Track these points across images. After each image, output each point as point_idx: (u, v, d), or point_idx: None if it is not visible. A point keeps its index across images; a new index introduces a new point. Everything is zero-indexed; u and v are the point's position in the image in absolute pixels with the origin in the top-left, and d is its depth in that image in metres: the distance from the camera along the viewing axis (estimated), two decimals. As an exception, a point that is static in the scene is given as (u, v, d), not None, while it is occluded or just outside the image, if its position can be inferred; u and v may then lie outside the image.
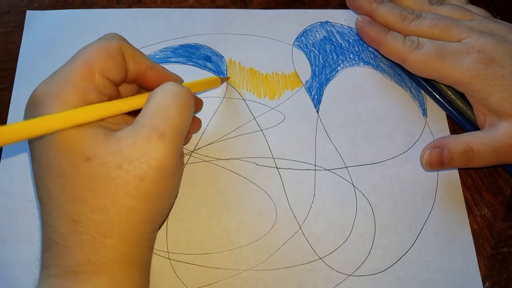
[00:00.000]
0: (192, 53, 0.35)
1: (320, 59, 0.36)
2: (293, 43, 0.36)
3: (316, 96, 0.34)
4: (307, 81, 0.35)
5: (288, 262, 0.29)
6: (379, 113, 0.34)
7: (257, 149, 0.32)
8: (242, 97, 0.34)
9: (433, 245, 0.30)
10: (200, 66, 0.35)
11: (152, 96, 0.24)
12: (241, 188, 0.31)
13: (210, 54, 0.35)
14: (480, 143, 0.29)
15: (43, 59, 0.34)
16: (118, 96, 0.25)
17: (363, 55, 0.36)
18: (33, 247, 0.28)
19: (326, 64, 0.36)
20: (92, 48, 0.23)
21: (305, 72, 0.35)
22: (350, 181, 0.32)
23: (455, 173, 0.32)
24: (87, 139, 0.21)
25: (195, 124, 0.31)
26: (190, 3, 0.38)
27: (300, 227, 0.30)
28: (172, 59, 0.35)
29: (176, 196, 0.30)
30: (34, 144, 0.23)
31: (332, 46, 0.36)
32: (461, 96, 0.33)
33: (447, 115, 0.34)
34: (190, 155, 0.32)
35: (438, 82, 0.33)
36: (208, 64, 0.35)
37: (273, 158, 0.32)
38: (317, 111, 0.34)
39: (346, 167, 0.32)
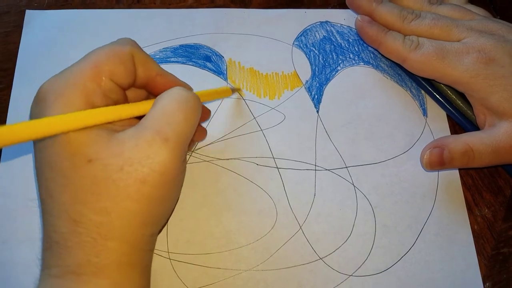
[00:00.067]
0: (192, 53, 0.35)
1: (320, 59, 0.36)
2: (293, 43, 0.36)
3: (316, 96, 0.34)
4: (307, 81, 0.35)
5: (289, 262, 0.29)
6: (379, 113, 0.34)
7: (257, 149, 0.32)
8: (242, 97, 0.34)
9: (434, 245, 0.30)
10: (200, 66, 0.35)
11: (159, 99, 0.23)
12: (241, 188, 0.31)
13: (210, 54, 0.35)
14: (480, 143, 0.29)
15: (42, 59, 0.34)
16: (125, 101, 0.25)
17: (363, 54, 0.36)
18: (33, 246, 0.28)
19: (326, 64, 0.36)
20: (103, 51, 0.23)
21: (305, 72, 0.35)
22: (351, 181, 0.32)
23: (455, 173, 0.32)
24: (90, 140, 0.21)
25: (200, 134, 0.31)
26: (189, 3, 0.38)
27: (300, 227, 0.30)
28: (172, 59, 0.35)
29: (178, 200, 0.30)
30: (37, 143, 0.23)
31: (332, 46, 0.36)
32: (461, 96, 0.33)
33: (447, 115, 0.34)
34: (190, 155, 0.32)
35: (438, 82, 0.33)
36: (208, 64, 0.35)
37: (273, 158, 0.32)
38: (317, 111, 0.34)
39: (347, 167, 0.32)
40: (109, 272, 0.21)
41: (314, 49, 0.36)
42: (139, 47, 0.25)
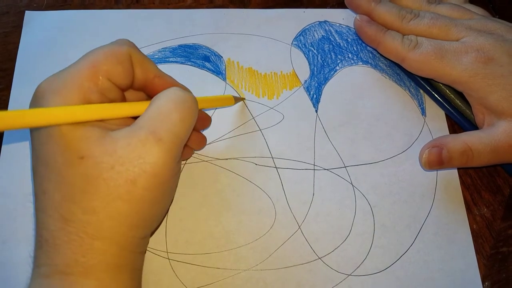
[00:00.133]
0: (191, 53, 0.35)
1: (319, 58, 0.36)
2: (292, 43, 0.36)
3: (315, 96, 0.34)
4: (305, 81, 0.35)
5: (288, 262, 0.29)
6: (378, 113, 0.34)
7: (256, 149, 0.32)
8: (241, 96, 0.34)
9: (433, 245, 0.30)
10: (198, 66, 0.35)
11: (155, 99, 0.23)
12: (240, 188, 0.31)
13: (209, 54, 0.35)
14: (479, 142, 0.29)
15: (41, 60, 0.34)
16: (123, 101, 0.25)
17: (361, 54, 0.36)
18: (32, 247, 0.28)
19: (325, 64, 0.36)
20: (101, 51, 0.23)
21: (304, 71, 0.35)
22: (349, 181, 0.32)
23: (454, 173, 0.32)
24: (83, 137, 0.21)
25: (199, 141, 0.31)
26: (188, 3, 0.38)
27: (299, 226, 0.30)
28: (171, 59, 0.35)
29: (171, 203, 0.30)
30: (34, 138, 0.23)
31: (331, 46, 0.36)
32: (460, 95, 0.33)
33: (446, 114, 0.34)
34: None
35: (436, 81, 0.33)
36: (207, 64, 0.35)
37: (272, 158, 0.32)
38: (316, 111, 0.34)
39: (345, 167, 0.32)
40: (96, 273, 0.21)
41: (312, 48, 0.36)
42: (137, 48, 0.25)
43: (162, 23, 0.36)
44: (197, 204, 0.30)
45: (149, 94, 0.26)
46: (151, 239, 0.29)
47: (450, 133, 0.34)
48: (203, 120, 0.30)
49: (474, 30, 0.31)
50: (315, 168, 0.32)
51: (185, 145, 0.25)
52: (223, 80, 0.35)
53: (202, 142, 0.31)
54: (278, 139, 0.33)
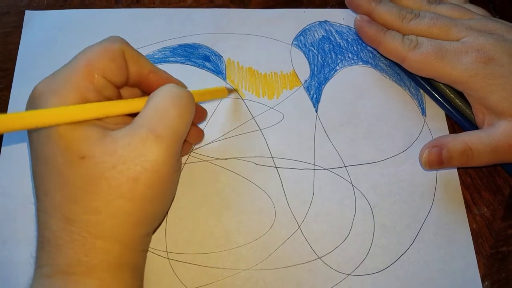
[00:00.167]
0: (191, 53, 0.35)
1: (319, 58, 0.36)
2: (292, 43, 0.36)
3: (315, 96, 0.34)
4: (306, 81, 0.35)
5: (287, 262, 0.29)
6: (378, 112, 0.34)
7: (256, 148, 0.32)
8: (241, 96, 0.34)
9: (432, 245, 0.30)
10: (199, 66, 0.35)
11: (152, 97, 0.23)
12: (240, 187, 0.31)
13: (209, 54, 0.35)
14: (479, 142, 0.29)
15: (42, 59, 0.34)
16: (118, 98, 0.25)
17: (362, 54, 0.36)
18: (33, 247, 0.28)
19: (325, 64, 0.36)
20: (94, 49, 0.23)
21: (304, 71, 0.35)
22: (349, 181, 0.32)
23: (454, 172, 0.32)
24: (83, 137, 0.21)
25: (197, 135, 0.31)
26: (189, 3, 0.38)
27: (299, 226, 0.30)
28: (171, 59, 0.35)
29: (173, 200, 0.30)
30: (33, 140, 0.23)
31: (331, 46, 0.36)
32: (460, 95, 0.33)
33: (446, 114, 0.34)
34: (189, 155, 0.32)
35: (437, 81, 0.33)
36: (207, 64, 0.35)
37: (272, 158, 0.32)
38: (316, 111, 0.34)
39: (345, 167, 0.32)
40: (98, 272, 0.21)
41: (313, 48, 0.36)
42: (129, 44, 0.25)
43: (162, 22, 0.36)
44: (197, 203, 0.30)
45: (144, 90, 0.27)
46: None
47: (450, 133, 0.34)
48: (199, 113, 0.30)
49: (475, 30, 0.31)
50: (315, 168, 0.32)
51: (184, 141, 0.25)
52: (223, 80, 0.35)
53: (200, 135, 0.31)
54: (278, 139, 0.33)
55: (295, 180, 0.31)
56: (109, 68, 0.23)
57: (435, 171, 0.32)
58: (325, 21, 0.37)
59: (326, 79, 0.35)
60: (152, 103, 0.23)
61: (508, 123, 0.29)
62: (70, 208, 0.21)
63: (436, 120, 0.34)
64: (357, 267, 0.29)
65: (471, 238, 0.30)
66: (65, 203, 0.21)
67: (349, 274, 0.29)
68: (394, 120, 0.34)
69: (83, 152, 0.21)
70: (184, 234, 0.30)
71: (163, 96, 0.23)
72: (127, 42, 0.25)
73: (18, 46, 0.35)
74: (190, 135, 0.30)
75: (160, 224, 0.30)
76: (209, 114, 0.33)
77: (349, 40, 0.37)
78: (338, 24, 0.37)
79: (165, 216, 0.30)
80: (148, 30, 0.36)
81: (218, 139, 0.33)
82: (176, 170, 0.24)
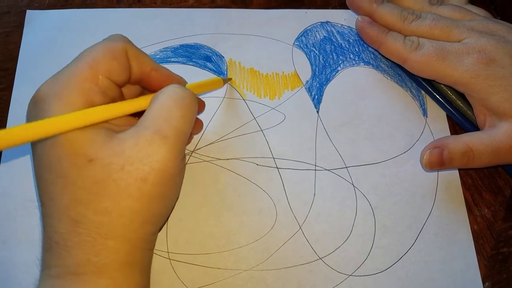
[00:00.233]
0: (192, 53, 0.35)
1: (320, 59, 0.36)
2: (293, 43, 0.36)
3: (316, 96, 0.34)
4: (307, 81, 0.35)
5: (288, 262, 0.29)
6: (380, 113, 0.34)
7: (257, 149, 0.32)
8: (243, 97, 0.34)
9: (433, 245, 0.30)
10: (200, 66, 0.35)
11: (156, 98, 0.24)
12: (241, 188, 0.31)
13: (210, 54, 0.35)
14: (480, 143, 0.29)
15: (43, 59, 0.34)
16: (121, 97, 0.25)
17: (363, 55, 0.36)
18: (33, 247, 0.28)
19: (326, 64, 0.36)
20: (97, 49, 0.23)
21: (305, 72, 0.35)
22: (350, 181, 0.32)
23: (455, 173, 0.32)
24: (90, 140, 0.21)
25: (197, 126, 0.31)
26: (190, 3, 0.38)
27: (300, 227, 0.30)
28: (173, 59, 0.35)
29: (178, 198, 0.30)
30: (36, 145, 0.23)
31: (332, 46, 0.36)
32: (461, 96, 0.33)
33: (447, 115, 0.34)
34: (191, 155, 0.32)
35: (438, 82, 0.33)
36: (209, 64, 0.35)
37: (273, 158, 0.32)
38: (317, 111, 0.34)
39: (346, 167, 0.32)
40: (109, 271, 0.21)
41: (314, 49, 0.36)
42: (131, 42, 0.25)
43: (163, 22, 0.36)
44: (198, 204, 0.30)
45: (145, 87, 0.27)
46: (152, 239, 0.29)
47: (451, 134, 0.34)
48: (198, 105, 0.30)
49: (476, 31, 0.31)
50: (316, 169, 0.32)
51: None
52: (225, 80, 0.35)
53: (199, 126, 0.32)
54: (280, 140, 0.33)
55: (296, 180, 0.31)
56: (113, 69, 0.23)
57: (436, 172, 0.32)
58: (327, 22, 0.37)
59: (328, 80, 0.35)
60: (156, 103, 0.23)
61: (509, 124, 0.29)
62: (78, 210, 0.21)
63: (437, 121, 0.34)
64: (358, 268, 0.29)
65: (472, 239, 0.30)
66: (72, 206, 0.21)
67: (350, 275, 0.29)
68: (395, 121, 0.34)
69: (90, 155, 0.21)
70: (185, 234, 0.29)
71: (166, 97, 0.23)
72: (129, 40, 0.25)
73: (19, 45, 0.35)
74: None
75: (165, 222, 0.30)
76: (210, 114, 0.33)
77: (351, 41, 0.37)
78: (339, 25, 0.37)
79: (169, 214, 0.30)
80: (149, 30, 0.36)
81: (219, 140, 0.33)
82: (181, 168, 0.24)
